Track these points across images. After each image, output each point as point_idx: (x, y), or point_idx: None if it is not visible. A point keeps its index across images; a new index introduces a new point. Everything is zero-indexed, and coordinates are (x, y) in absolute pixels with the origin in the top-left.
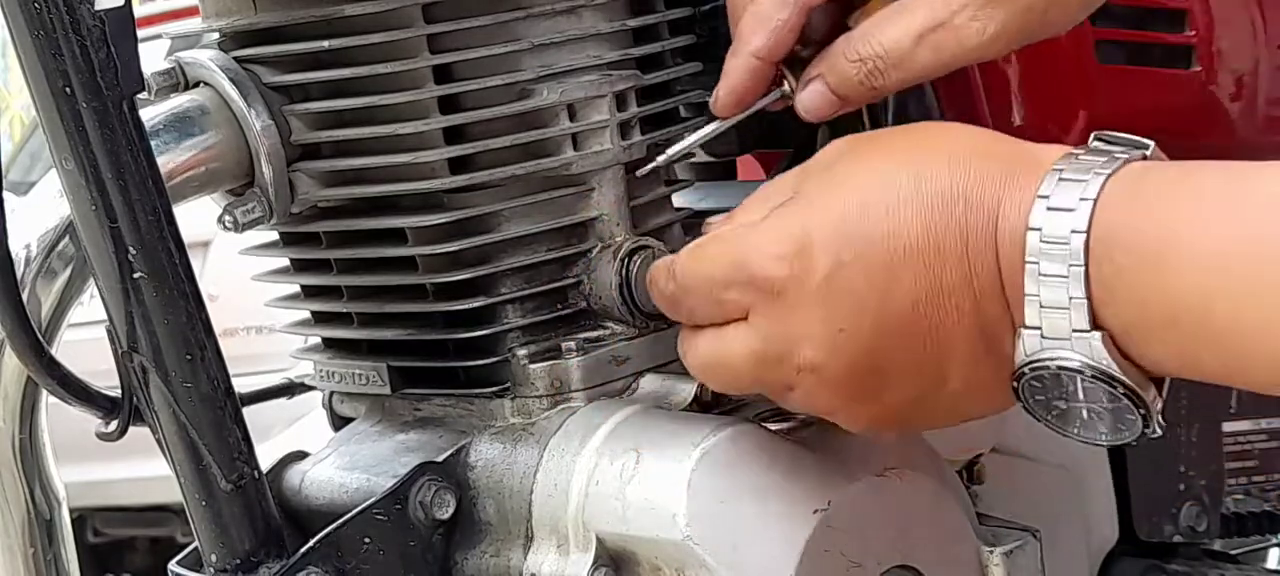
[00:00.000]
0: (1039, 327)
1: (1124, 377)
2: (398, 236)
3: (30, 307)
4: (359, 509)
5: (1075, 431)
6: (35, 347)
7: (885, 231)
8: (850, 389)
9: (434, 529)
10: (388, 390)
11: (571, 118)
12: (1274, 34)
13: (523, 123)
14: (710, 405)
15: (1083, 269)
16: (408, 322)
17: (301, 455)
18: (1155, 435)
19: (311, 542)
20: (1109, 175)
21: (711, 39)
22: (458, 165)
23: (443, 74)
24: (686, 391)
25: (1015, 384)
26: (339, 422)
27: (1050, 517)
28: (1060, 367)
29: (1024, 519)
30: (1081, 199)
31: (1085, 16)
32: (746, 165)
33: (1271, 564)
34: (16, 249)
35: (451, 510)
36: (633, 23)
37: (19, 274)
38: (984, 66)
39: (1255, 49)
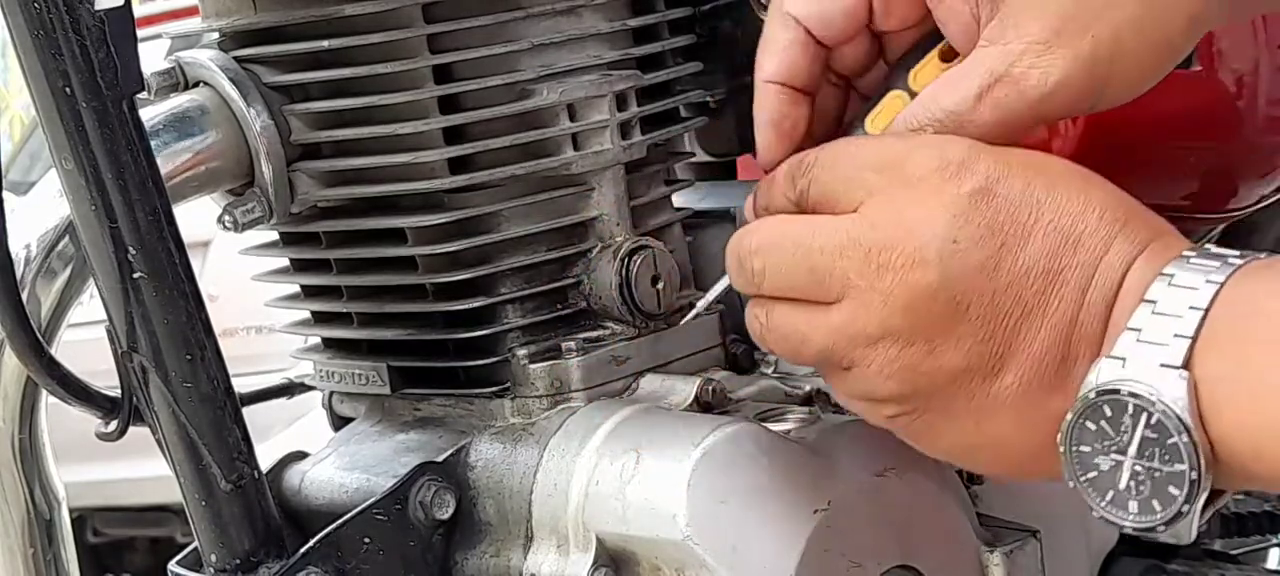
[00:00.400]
0: (1123, 359)
1: (1191, 425)
2: (398, 236)
3: (30, 308)
4: (359, 509)
5: (1104, 503)
6: (35, 347)
7: (1039, 198)
8: (917, 315)
9: (434, 529)
10: (388, 390)
11: (571, 118)
12: (1274, 34)
13: (523, 123)
14: (710, 405)
15: (1201, 313)
16: (408, 322)
17: (301, 455)
18: (1186, 538)
19: (311, 542)
20: (1244, 263)
21: (711, 39)
22: (458, 165)
23: (443, 74)
24: (686, 391)
25: (1069, 422)
26: (339, 422)
27: (1050, 518)
28: (1131, 394)
29: (1024, 519)
30: (1225, 261)
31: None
32: (746, 165)
33: (1272, 564)
34: (16, 249)
35: (451, 510)
36: (633, 23)
37: (19, 274)
38: None
39: (1255, 49)
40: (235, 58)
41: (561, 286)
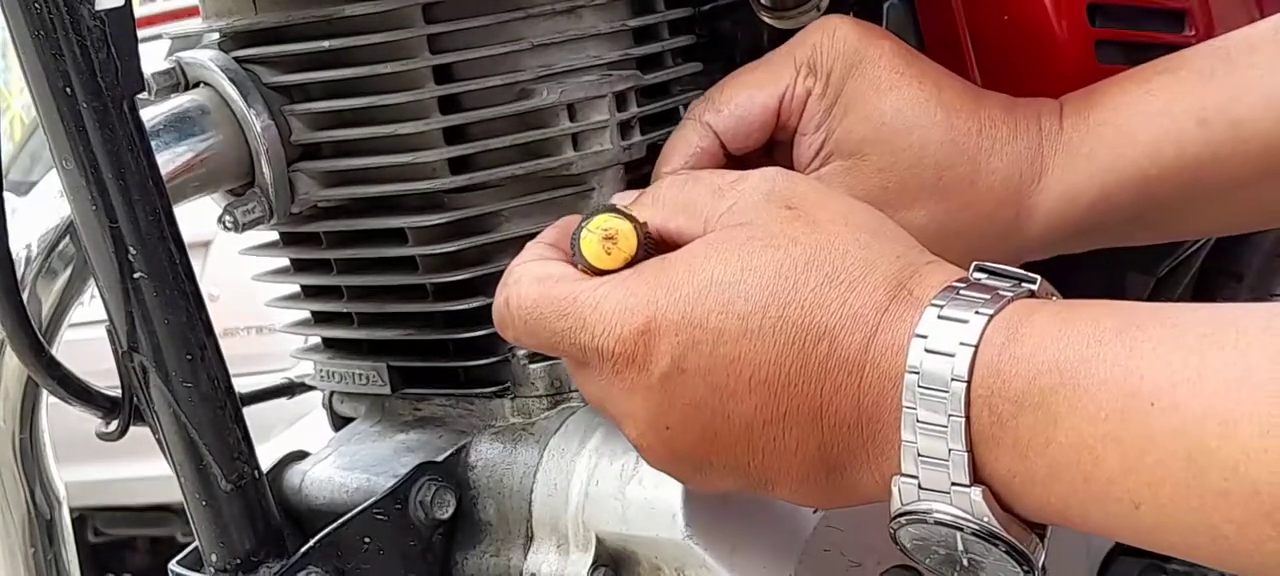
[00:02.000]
0: (916, 477)
1: (1005, 534)
2: (398, 236)
3: (30, 308)
4: (359, 509)
5: (956, 573)
6: (35, 347)
7: (733, 355)
8: (670, 468)
9: (434, 529)
10: (388, 390)
11: (571, 118)
12: (1270, 8)
13: (523, 123)
14: None
15: (963, 420)
16: (408, 322)
17: (301, 455)
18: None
19: (311, 542)
20: (990, 316)
21: (711, 39)
22: (458, 165)
23: (443, 74)
24: None
25: (892, 528)
26: (339, 422)
27: None
28: (938, 521)
29: None
30: (961, 343)
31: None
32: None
33: None
34: (17, 249)
35: (451, 510)
36: (633, 23)
37: (19, 274)
38: (982, 69)
39: (1249, 21)
40: (236, 58)
41: None
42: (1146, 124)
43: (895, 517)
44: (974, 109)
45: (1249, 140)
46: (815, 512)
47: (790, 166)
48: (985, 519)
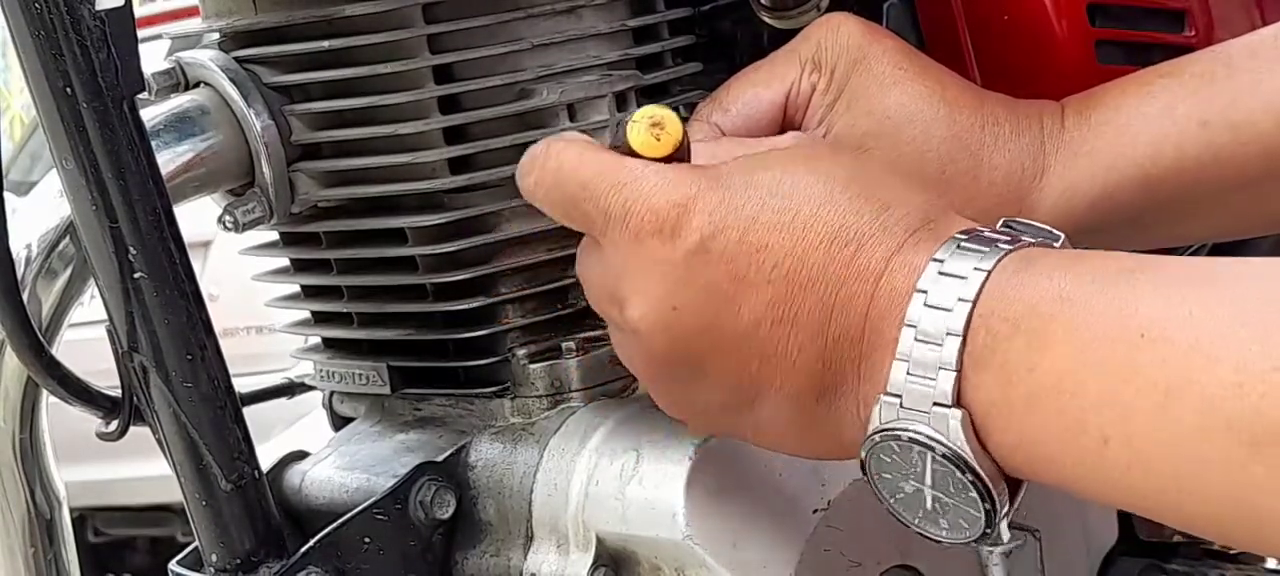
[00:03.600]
0: (899, 397)
1: (975, 464)
2: (398, 236)
3: (30, 308)
4: (359, 509)
5: (916, 521)
6: (35, 347)
7: (761, 243)
8: (659, 366)
9: (434, 529)
10: (388, 390)
11: (571, 118)
12: (1270, 6)
13: (523, 123)
14: None
15: (959, 339)
16: (408, 322)
17: (301, 455)
18: (1002, 545)
19: (311, 542)
20: (1007, 252)
21: (711, 39)
22: (458, 165)
23: (443, 74)
24: None
25: (864, 454)
26: (339, 422)
27: (1050, 517)
28: (912, 439)
29: (1023, 518)
30: (975, 268)
31: None
32: None
33: (1271, 564)
34: (17, 249)
35: (451, 510)
36: (633, 23)
37: (19, 274)
38: (982, 69)
39: (1250, 19)
40: (236, 58)
41: (561, 286)
42: (1148, 125)
43: (869, 437)
44: (976, 106)
45: (1249, 144)
46: (816, 512)
47: None
48: (959, 442)
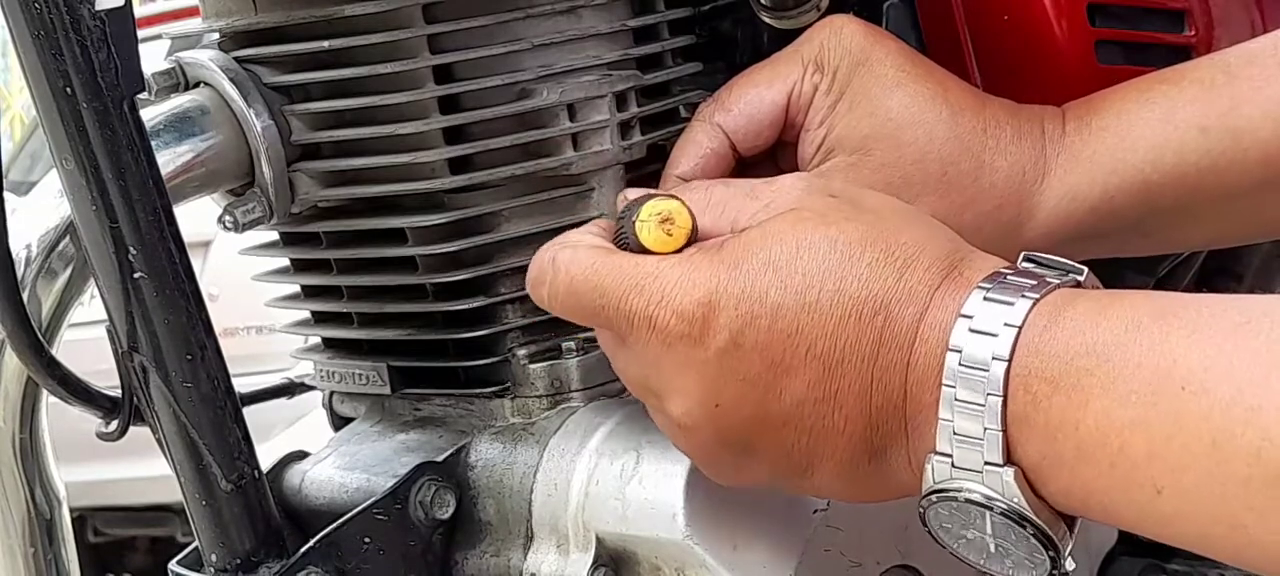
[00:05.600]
0: (950, 456)
1: (1034, 517)
2: (398, 236)
3: (30, 308)
4: (359, 509)
5: (981, 561)
6: (35, 347)
7: (790, 328)
8: (708, 452)
9: (434, 529)
10: (388, 390)
11: (571, 118)
12: (1270, 10)
13: (523, 123)
14: None
15: (1000, 399)
16: (408, 322)
17: (301, 455)
18: (1068, 573)
19: (311, 542)
20: (1036, 300)
21: (711, 39)
22: (458, 165)
23: (443, 74)
24: None
25: (921, 508)
26: (339, 422)
27: None
28: (969, 500)
29: None
30: (1006, 324)
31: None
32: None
33: None
34: (17, 249)
35: (451, 510)
36: (633, 23)
37: (19, 274)
38: (982, 70)
39: (1249, 20)
40: (236, 58)
41: None
42: (1148, 130)
43: (926, 496)
44: (978, 109)
45: (1249, 150)
46: (815, 512)
47: (795, 169)
48: (1016, 499)
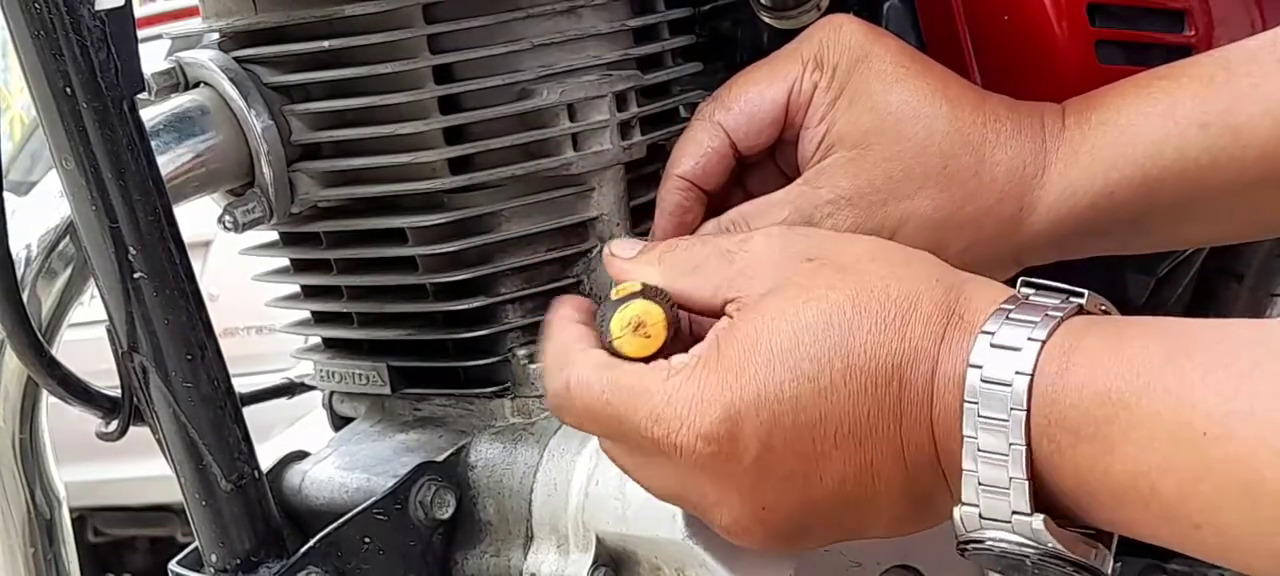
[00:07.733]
0: (977, 506)
1: (1071, 556)
2: (398, 236)
3: (30, 307)
4: (359, 509)
5: None
6: (35, 347)
7: (813, 418)
8: (763, 540)
9: (434, 529)
10: (388, 390)
11: (571, 118)
12: (1270, 10)
13: (523, 123)
14: None
15: (1023, 448)
16: (408, 322)
17: (301, 455)
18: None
19: (311, 542)
20: (1043, 341)
21: (711, 39)
22: (458, 165)
23: (443, 74)
24: None
25: (962, 548)
26: (339, 422)
27: None
28: (1002, 553)
29: None
30: (1017, 373)
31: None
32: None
33: None
34: (16, 249)
35: (451, 510)
36: (633, 23)
37: (19, 274)
38: (982, 69)
39: (1249, 19)
40: (236, 58)
41: (561, 286)
42: (1148, 126)
43: (961, 545)
44: (978, 104)
45: (1248, 147)
46: None
47: (795, 168)
48: (1048, 544)
